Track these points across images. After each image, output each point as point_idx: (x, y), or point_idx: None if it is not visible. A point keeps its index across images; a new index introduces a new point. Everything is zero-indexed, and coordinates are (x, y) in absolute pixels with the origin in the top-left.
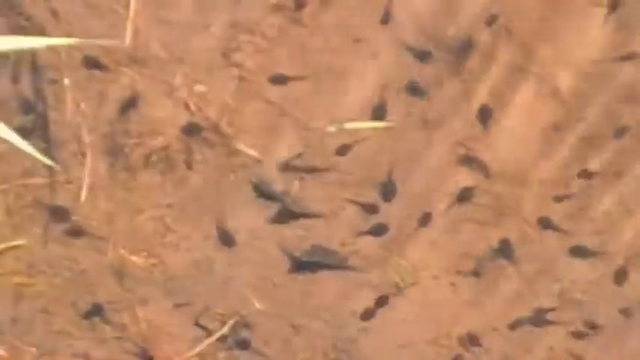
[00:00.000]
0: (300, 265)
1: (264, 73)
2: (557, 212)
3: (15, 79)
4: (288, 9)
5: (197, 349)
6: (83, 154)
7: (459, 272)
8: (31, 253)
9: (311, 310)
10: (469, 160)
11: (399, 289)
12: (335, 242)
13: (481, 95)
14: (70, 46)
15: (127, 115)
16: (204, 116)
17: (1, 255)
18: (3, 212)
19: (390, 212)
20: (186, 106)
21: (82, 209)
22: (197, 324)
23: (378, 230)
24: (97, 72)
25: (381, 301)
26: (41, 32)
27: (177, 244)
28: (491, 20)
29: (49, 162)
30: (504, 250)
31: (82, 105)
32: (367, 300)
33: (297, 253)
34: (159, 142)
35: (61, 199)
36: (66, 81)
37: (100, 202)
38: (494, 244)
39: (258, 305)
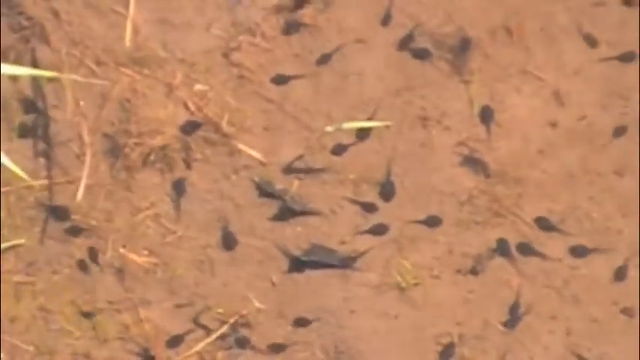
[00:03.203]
0: (299, 265)
1: (264, 72)
2: (556, 212)
3: (15, 78)
4: (288, 9)
5: (196, 348)
6: (83, 154)
7: (458, 272)
8: (30, 252)
9: (310, 309)
10: (469, 161)
11: (400, 289)
12: (334, 241)
13: (481, 95)
14: (70, 46)
15: (128, 114)
16: (204, 116)
17: (2, 254)
18: (5, 213)
19: (390, 212)
20: (186, 106)
21: (82, 208)
22: (197, 323)
23: (378, 230)
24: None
25: None
26: (41, 32)
27: (177, 244)
28: (490, 20)
29: (22, 174)
30: (503, 249)
31: (82, 104)
32: (367, 300)
33: (296, 252)
34: (158, 141)
35: (62, 199)
36: (66, 80)
37: (100, 201)
38: (493, 243)
39: (257, 304)
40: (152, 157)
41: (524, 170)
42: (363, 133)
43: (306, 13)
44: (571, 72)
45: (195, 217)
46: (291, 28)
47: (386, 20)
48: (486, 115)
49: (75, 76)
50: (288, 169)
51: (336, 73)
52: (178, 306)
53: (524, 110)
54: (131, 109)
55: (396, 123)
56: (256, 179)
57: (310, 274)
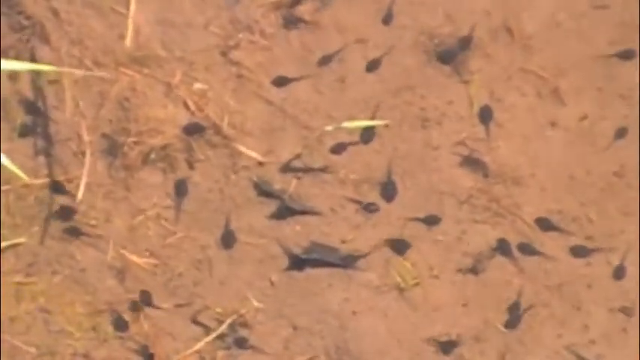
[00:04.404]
0: (299, 263)
1: (263, 71)
2: (556, 213)
3: (15, 79)
4: (286, 6)
5: (196, 348)
6: (83, 153)
7: (459, 271)
8: (31, 252)
9: (310, 309)
10: (469, 160)
11: (400, 289)
12: (334, 240)
13: (481, 95)
14: (69, 45)
15: (127, 114)
16: (204, 115)
17: (2, 254)
18: (4, 212)
19: (391, 212)
20: (186, 105)
21: (82, 208)
22: (196, 323)
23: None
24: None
25: None
26: (41, 31)
27: (177, 244)
28: (490, 20)
29: (22, 174)
30: (503, 248)
31: (82, 104)
32: (367, 300)
33: (295, 251)
34: (158, 140)
35: (61, 199)
36: (65, 79)
37: (100, 200)
38: (493, 243)
39: (256, 304)
40: (152, 157)
41: (524, 170)
42: (367, 135)
43: (305, 10)
44: (571, 71)
45: (196, 217)
46: (289, 24)
47: (387, 19)
48: (485, 115)
49: (74, 75)
50: (287, 168)
51: (336, 73)
52: (178, 306)
53: (524, 110)
54: (130, 109)
55: (396, 123)
56: (257, 179)
57: (310, 272)
